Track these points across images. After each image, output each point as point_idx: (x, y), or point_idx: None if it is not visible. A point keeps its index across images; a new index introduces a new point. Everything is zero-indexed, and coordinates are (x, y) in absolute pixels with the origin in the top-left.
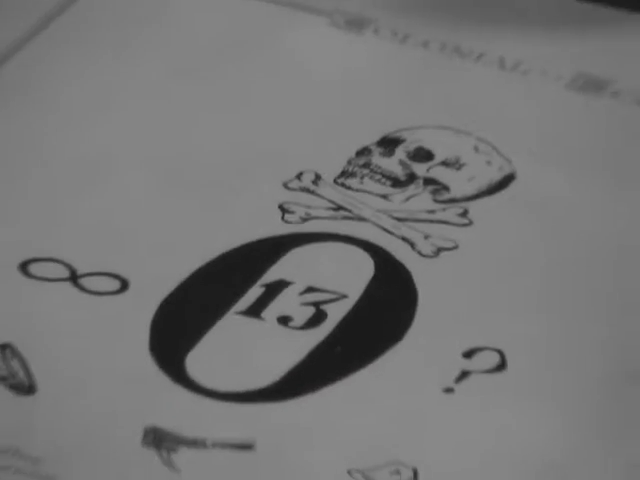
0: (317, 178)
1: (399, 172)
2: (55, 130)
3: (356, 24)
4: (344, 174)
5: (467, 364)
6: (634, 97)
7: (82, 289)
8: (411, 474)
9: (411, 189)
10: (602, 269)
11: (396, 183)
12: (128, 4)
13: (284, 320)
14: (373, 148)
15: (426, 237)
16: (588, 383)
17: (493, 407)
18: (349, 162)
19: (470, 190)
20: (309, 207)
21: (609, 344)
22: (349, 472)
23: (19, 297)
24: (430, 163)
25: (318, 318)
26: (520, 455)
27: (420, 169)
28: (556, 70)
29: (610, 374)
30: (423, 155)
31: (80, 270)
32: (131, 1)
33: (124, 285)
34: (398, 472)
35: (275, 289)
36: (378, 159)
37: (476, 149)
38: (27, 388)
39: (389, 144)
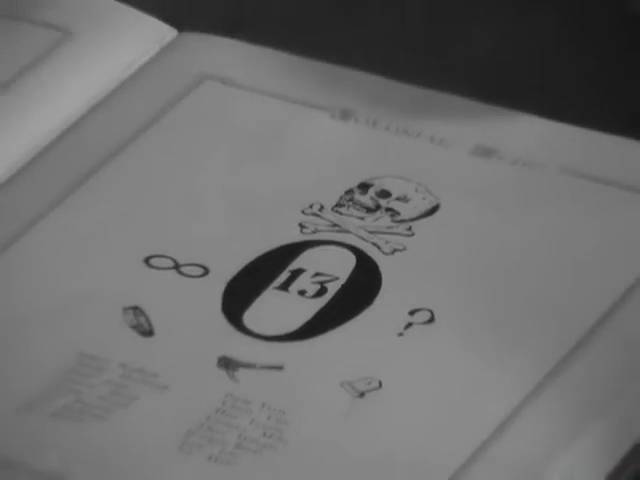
0: (321, 207)
1: (370, 204)
2: (177, 177)
3: (344, 115)
4: (338, 205)
5: (411, 319)
6: (513, 159)
7: (181, 274)
8: (377, 384)
9: (377, 214)
10: (497, 268)
11: (368, 210)
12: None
13: (302, 292)
14: (355, 189)
15: (387, 242)
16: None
17: (427, 343)
18: (340, 198)
19: (413, 214)
20: (317, 224)
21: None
22: (341, 384)
23: (144, 280)
24: (389, 198)
25: (322, 291)
26: (448, 370)
27: (383, 202)
28: (462, 141)
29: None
30: (385, 194)
31: (180, 262)
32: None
33: (206, 271)
34: (370, 383)
35: (296, 273)
36: (358, 196)
37: (416, 190)
38: (148, 333)
39: (364, 187)
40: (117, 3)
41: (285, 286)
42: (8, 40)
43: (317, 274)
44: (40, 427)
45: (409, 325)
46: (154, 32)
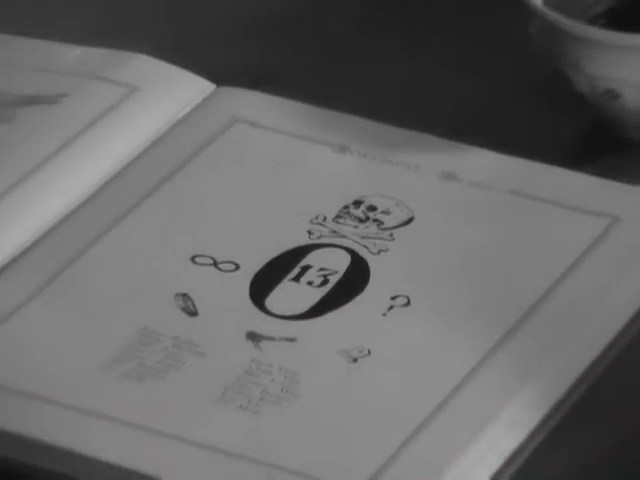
0: (325, 218)
1: (362, 216)
2: (215, 196)
3: (342, 149)
4: (337, 216)
5: (392, 302)
6: (470, 182)
7: (219, 269)
8: (367, 352)
9: (367, 223)
10: (458, 264)
11: (360, 221)
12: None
13: (310, 283)
14: (350, 205)
15: (374, 245)
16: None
17: (405, 321)
18: (339, 211)
19: (394, 224)
20: (321, 231)
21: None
22: (339, 352)
23: (191, 273)
24: (375, 212)
25: (325, 282)
26: (420, 341)
27: (371, 215)
28: (431, 168)
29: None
30: (372, 208)
31: (218, 260)
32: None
33: (237, 267)
34: (361, 351)
35: (305, 269)
36: (352, 210)
37: (396, 205)
38: (194, 313)
39: (357, 203)
40: (171, 65)
41: (297, 278)
42: (86, 95)
43: (321, 269)
44: (114, 383)
45: (391, 307)
46: (198, 87)
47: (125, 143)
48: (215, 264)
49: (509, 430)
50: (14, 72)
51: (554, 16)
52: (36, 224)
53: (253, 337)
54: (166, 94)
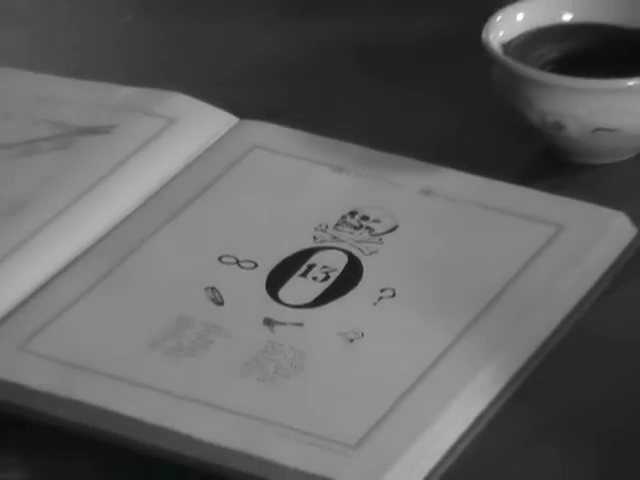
0: (327, 226)
1: (356, 224)
2: (237, 208)
3: (340, 170)
4: (336, 224)
5: (381, 294)
6: (445, 197)
7: (241, 267)
8: (361, 334)
9: (361, 230)
10: (434, 263)
11: (355, 228)
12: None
13: (314, 278)
14: (347, 215)
15: (366, 248)
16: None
17: (391, 309)
18: (338, 220)
19: (382, 230)
20: (324, 237)
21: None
22: (338, 334)
23: (218, 270)
24: (368, 221)
25: (326, 278)
26: (403, 326)
27: (364, 223)
28: (412, 185)
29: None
30: (365, 218)
31: (240, 259)
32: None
33: (256, 265)
34: (356, 333)
35: (311, 266)
36: (349, 219)
37: (385, 215)
38: (220, 303)
39: (353, 214)
40: (201, 102)
41: (304, 274)
42: (133, 126)
43: (324, 267)
44: (159, 359)
45: (380, 298)
46: (224, 120)
47: (164, 166)
48: (238, 263)
49: (476, 397)
50: (74, 107)
51: (512, 63)
52: (93, 231)
53: (268, 322)
54: (198, 126)
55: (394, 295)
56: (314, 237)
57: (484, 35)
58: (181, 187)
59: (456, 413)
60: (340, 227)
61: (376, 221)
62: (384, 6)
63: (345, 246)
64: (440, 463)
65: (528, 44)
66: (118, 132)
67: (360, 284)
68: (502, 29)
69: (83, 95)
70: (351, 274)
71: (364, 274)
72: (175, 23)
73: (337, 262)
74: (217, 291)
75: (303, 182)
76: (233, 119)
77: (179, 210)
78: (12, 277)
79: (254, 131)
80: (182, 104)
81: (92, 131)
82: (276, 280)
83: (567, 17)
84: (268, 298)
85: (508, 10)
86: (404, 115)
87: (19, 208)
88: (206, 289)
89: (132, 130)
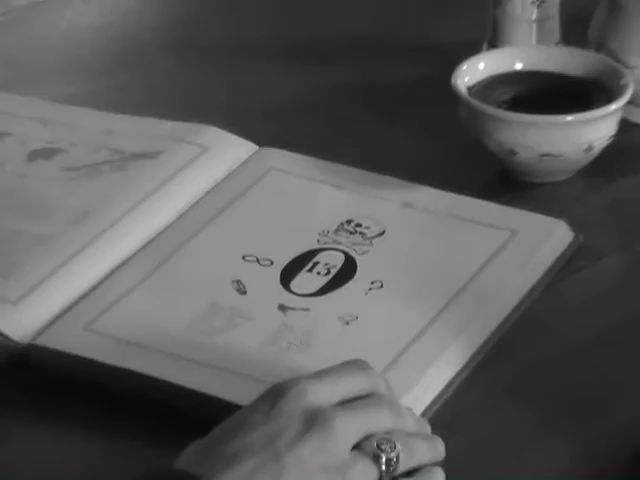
0: (328, 231)
1: (352, 230)
2: (257, 220)
3: (339, 187)
4: (336, 230)
5: (371, 286)
6: (422, 209)
7: (260, 264)
8: (355, 317)
9: (355, 235)
10: (412, 261)
11: (351, 233)
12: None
13: (318, 273)
14: (344, 223)
15: (360, 249)
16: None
17: (380, 298)
18: (337, 227)
19: (372, 235)
20: (325, 240)
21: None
22: (337, 317)
23: (242, 267)
24: (361, 227)
25: (328, 273)
26: (389, 310)
27: (358, 229)
28: (395, 199)
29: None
30: (359, 225)
31: (260, 258)
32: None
33: (272, 262)
34: (351, 315)
35: (316, 263)
36: (345, 226)
37: (374, 223)
38: (244, 292)
39: (349, 222)
40: (229, 133)
41: (310, 270)
42: (175, 152)
43: (326, 264)
44: (196, 337)
45: (370, 289)
46: (246, 147)
47: (199, 185)
48: (258, 261)
49: (447, 366)
50: (128, 137)
51: (476, 103)
52: (143, 236)
53: (282, 308)
54: (226, 153)
55: (382, 286)
56: (318, 240)
57: (453, 80)
58: (212, 201)
59: (431, 379)
60: (339, 232)
61: (367, 228)
62: (376, 58)
63: (343, 247)
64: None
65: (488, 87)
66: (163, 157)
67: (355, 278)
68: (467, 75)
69: (136, 128)
70: (347, 270)
71: (358, 270)
72: (209, 68)
73: (336, 260)
74: (241, 283)
75: (309, 197)
76: (254, 147)
77: (211, 220)
78: (79, 272)
79: (271, 156)
80: (213, 135)
81: (143, 156)
82: (288, 274)
83: (518, 66)
84: (282, 289)
85: (472, 60)
86: (390, 144)
87: (84, 218)
88: (232, 281)
89: (174, 156)
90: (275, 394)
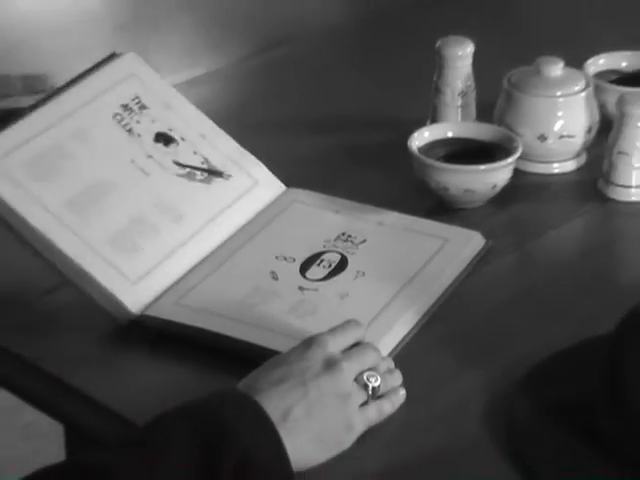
0: (330, 240)
1: (345, 239)
2: (282, 239)
3: (338, 212)
4: (335, 239)
5: (357, 274)
6: (390, 225)
7: (286, 261)
8: (347, 295)
9: (347, 242)
10: (386, 259)
11: (344, 241)
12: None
13: (324, 266)
14: (340, 235)
15: (350, 251)
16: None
17: (363, 283)
18: (336, 237)
19: (359, 241)
20: (327, 246)
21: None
22: (335, 295)
23: (275, 264)
24: (351, 237)
25: (330, 266)
26: (368, 290)
27: (349, 239)
28: (372, 220)
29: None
30: (349, 235)
31: (286, 257)
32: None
33: (294, 260)
34: (345, 293)
35: (323, 260)
36: (340, 236)
37: (360, 234)
38: (277, 279)
39: (343, 234)
40: (269, 172)
41: (319, 264)
42: (238, 180)
43: (328, 260)
44: (248, 308)
45: (356, 277)
46: (275, 186)
47: (251, 207)
48: (285, 259)
49: (404, 324)
50: (212, 149)
51: (422, 157)
52: (216, 241)
53: (301, 289)
54: (267, 188)
55: (364, 275)
56: (324, 245)
57: (409, 143)
58: (255, 222)
59: (395, 332)
60: (337, 240)
61: (355, 237)
62: (359, 127)
63: (339, 250)
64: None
65: (430, 148)
66: (231, 180)
67: (347, 269)
68: (418, 140)
69: (216, 138)
70: (342, 264)
71: (349, 264)
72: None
73: (335, 258)
74: (275, 273)
75: (318, 218)
76: (283, 186)
77: (255, 233)
78: (178, 263)
79: (294, 193)
80: (260, 171)
81: (220, 174)
82: (305, 267)
83: (450, 134)
84: (300, 277)
85: (420, 130)
86: (369, 184)
87: (180, 219)
88: (269, 272)
89: (239, 182)
90: (306, 343)
